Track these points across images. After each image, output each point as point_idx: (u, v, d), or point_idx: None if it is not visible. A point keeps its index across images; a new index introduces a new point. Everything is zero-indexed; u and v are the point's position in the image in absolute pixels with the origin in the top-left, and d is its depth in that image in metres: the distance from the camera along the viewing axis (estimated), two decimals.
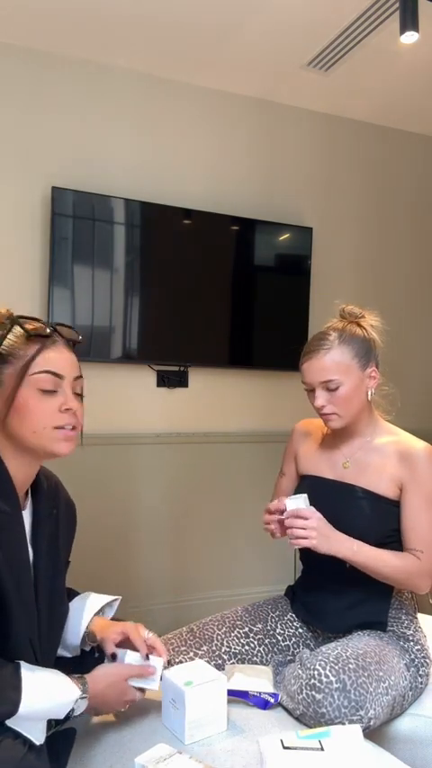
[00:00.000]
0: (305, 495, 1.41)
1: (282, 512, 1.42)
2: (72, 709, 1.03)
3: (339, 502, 1.46)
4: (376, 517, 1.44)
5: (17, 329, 1.07)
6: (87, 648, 1.26)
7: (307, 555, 1.57)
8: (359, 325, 1.50)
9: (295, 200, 3.19)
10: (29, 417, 1.04)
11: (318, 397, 1.44)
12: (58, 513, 1.19)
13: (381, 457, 1.47)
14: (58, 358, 1.07)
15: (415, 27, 2.30)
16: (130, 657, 1.18)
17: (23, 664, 0.99)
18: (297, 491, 1.57)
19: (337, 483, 1.50)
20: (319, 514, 1.38)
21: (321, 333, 1.49)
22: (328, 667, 1.23)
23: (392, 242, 3.44)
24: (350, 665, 1.24)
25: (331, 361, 1.43)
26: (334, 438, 1.56)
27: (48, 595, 1.13)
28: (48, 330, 1.09)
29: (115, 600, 1.33)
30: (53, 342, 1.08)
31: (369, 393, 1.47)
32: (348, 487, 1.48)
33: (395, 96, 3.08)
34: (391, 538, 1.45)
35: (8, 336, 1.06)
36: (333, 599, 1.49)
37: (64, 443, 1.07)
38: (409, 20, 2.26)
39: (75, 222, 2.71)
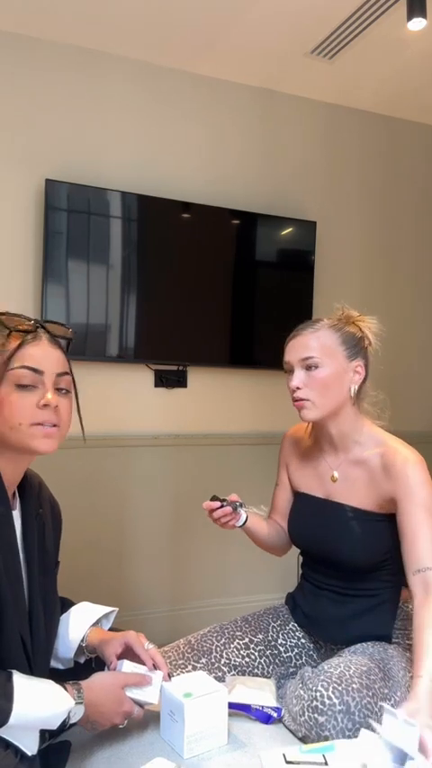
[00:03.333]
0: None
1: (213, 509, 1.42)
2: (68, 718, 1.03)
3: (330, 523, 1.45)
4: (368, 537, 1.42)
5: None
6: (82, 661, 1.26)
7: (306, 560, 1.57)
8: (354, 323, 1.50)
9: (298, 193, 3.20)
10: (6, 413, 1.07)
11: (294, 377, 1.42)
12: (43, 512, 1.22)
13: (367, 470, 1.44)
14: (38, 353, 1.09)
15: (423, 13, 2.30)
16: (127, 667, 1.19)
17: (16, 672, 1.00)
18: (291, 511, 1.59)
19: (326, 502, 1.50)
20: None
21: (313, 319, 1.51)
22: (330, 688, 1.22)
23: (399, 236, 3.44)
24: (354, 686, 1.24)
25: (316, 340, 1.43)
26: (319, 448, 1.55)
27: (40, 597, 1.15)
28: (28, 325, 1.11)
29: (112, 612, 1.34)
30: (35, 337, 1.10)
31: (352, 389, 1.44)
32: (337, 507, 1.47)
33: (402, 85, 3.09)
34: (386, 562, 1.42)
35: None
36: (335, 608, 1.49)
37: (44, 440, 1.08)
38: (417, 6, 2.27)
39: (69, 216, 2.71)
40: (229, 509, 1.41)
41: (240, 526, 1.48)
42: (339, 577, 1.40)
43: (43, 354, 1.09)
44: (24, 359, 1.07)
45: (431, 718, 1.09)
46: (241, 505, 1.42)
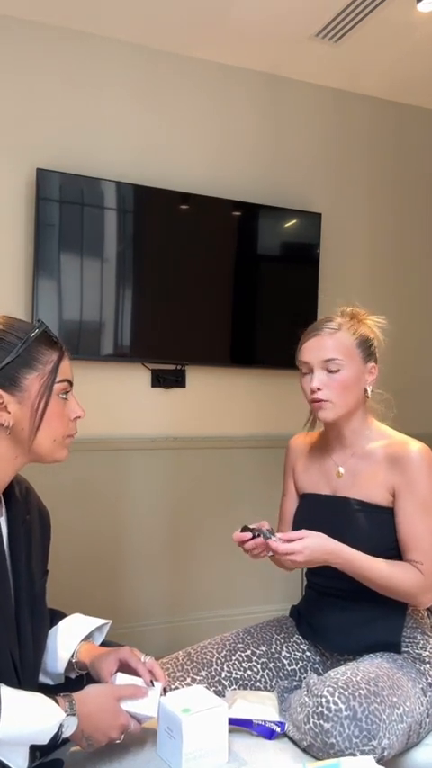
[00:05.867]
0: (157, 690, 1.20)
1: (244, 541, 1.41)
2: (60, 732, 1.03)
3: (336, 517, 1.48)
4: (374, 530, 1.46)
5: (40, 333, 1.12)
6: (73, 676, 1.26)
7: (311, 570, 1.58)
8: (363, 322, 1.56)
9: (303, 183, 3.20)
10: (55, 426, 1.13)
11: (315, 378, 1.47)
12: (30, 519, 1.22)
13: (372, 463, 1.50)
14: (68, 365, 1.16)
15: None
16: (121, 680, 1.18)
17: (2, 685, 1.00)
18: (297, 512, 1.62)
19: (332, 498, 1.54)
20: (303, 542, 1.36)
21: (326, 317, 1.55)
22: (336, 693, 1.23)
23: (409, 228, 3.44)
24: (361, 691, 1.24)
25: (336, 342, 1.48)
26: (326, 447, 1.60)
27: (28, 607, 1.15)
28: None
29: (105, 624, 1.34)
30: (66, 348, 1.16)
31: (368, 390, 1.51)
32: (343, 501, 1.51)
33: (411, 70, 3.09)
34: (395, 551, 1.46)
35: (34, 340, 1.11)
36: (341, 616, 1.50)
37: (66, 450, 1.17)
38: None
39: (62, 207, 2.71)
40: (261, 540, 1.39)
41: (271, 556, 1.47)
42: (346, 579, 1.40)
43: (70, 366, 1.16)
44: (64, 372, 1.14)
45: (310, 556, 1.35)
46: (272, 533, 1.40)
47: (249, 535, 1.39)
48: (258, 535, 1.39)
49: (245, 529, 1.41)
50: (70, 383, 1.15)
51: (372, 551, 1.41)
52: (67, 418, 1.15)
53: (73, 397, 1.17)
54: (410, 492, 1.43)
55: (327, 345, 1.48)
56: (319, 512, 1.53)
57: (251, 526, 1.41)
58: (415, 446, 1.46)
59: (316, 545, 1.37)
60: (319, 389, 1.47)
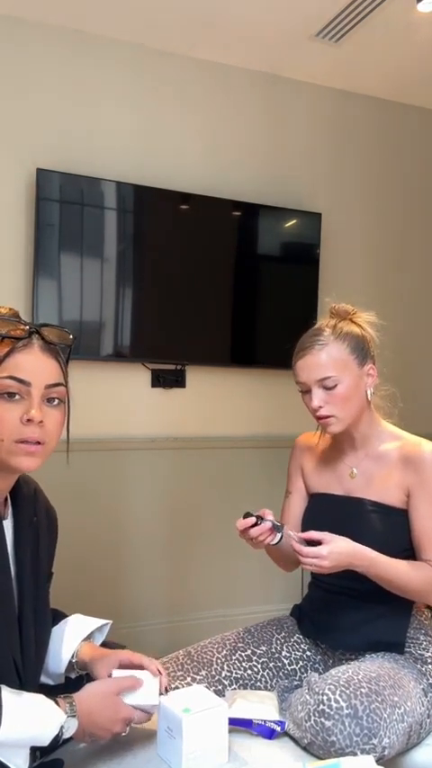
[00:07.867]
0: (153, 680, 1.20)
1: (248, 528, 1.40)
2: (61, 733, 1.03)
3: (349, 518, 1.49)
4: (388, 531, 1.46)
5: None
6: (73, 676, 1.26)
7: None
8: (353, 321, 1.53)
9: (303, 184, 3.20)
10: None
11: (314, 398, 1.46)
12: (38, 520, 1.21)
13: (386, 465, 1.50)
14: (28, 362, 1.06)
15: None
16: (118, 674, 1.18)
17: (4, 687, 1.00)
18: (306, 512, 1.62)
19: (345, 499, 1.54)
20: (329, 547, 1.36)
21: (314, 329, 1.52)
22: (338, 692, 1.23)
23: (409, 228, 3.44)
24: (362, 690, 1.25)
25: (328, 357, 1.45)
26: (337, 448, 1.59)
27: (31, 609, 1.15)
28: (22, 330, 1.08)
29: (105, 624, 1.34)
30: (26, 344, 1.06)
31: (368, 392, 1.50)
32: (357, 502, 1.51)
33: (411, 70, 3.09)
34: (408, 552, 1.46)
35: None
36: (348, 612, 1.50)
37: (25, 458, 1.06)
38: None
39: (62, 207, 2.71)
40: (268, 525, 1.39)
41: (274, 544, 1.47)
42: (355, 577, 1.41)
43: (33, 364, 1.06)
44: (11, 368, 1.04)
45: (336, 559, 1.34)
46: (281, 527, 1.40)
47: (254, 520, 1.39)
48: (262, 522, 1.39)
49: (247, 515, 1.40)
50: (20, 381, 1.04)
51: (385, 552, 1.41)
52: (15, 420, 1.03)
53: (30, 397, 1.05)
54: (424, 491, 1.44)
55: (319, 363, 1.45)
56: (332, 512, 1.53)
57: (254, 513, 1.40)
58: (428, 447, 1.47)
59: (342, 549, 1.36)
60: (320, 407, 1.46)
